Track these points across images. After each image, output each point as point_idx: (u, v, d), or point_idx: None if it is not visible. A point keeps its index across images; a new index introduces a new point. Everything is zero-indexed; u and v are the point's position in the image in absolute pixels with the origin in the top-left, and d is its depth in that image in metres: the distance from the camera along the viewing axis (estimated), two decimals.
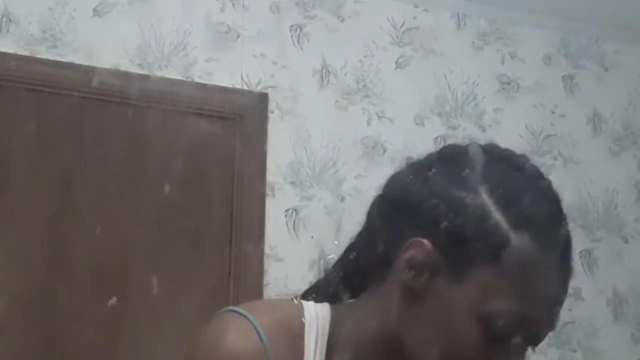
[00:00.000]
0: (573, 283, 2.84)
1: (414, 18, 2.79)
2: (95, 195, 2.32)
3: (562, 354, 2.68)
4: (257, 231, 2.40)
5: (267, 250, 2.43)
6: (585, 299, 2.74)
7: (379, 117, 2.65)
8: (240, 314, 0.83)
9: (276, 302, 0.95)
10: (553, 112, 2.87)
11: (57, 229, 2.27)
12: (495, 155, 0.86)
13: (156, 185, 2.32)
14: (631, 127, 2.96)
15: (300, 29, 2.67)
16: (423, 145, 2.65)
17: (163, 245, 2.34)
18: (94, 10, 2.47)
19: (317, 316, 0.87)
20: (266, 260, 2.42)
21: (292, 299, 0.90)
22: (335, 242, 0.76)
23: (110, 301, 2.20)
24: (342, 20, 2.71)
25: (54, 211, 2.28)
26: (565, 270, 0.83)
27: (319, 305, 0.89)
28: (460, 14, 2.85)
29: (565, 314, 3.00)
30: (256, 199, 2.44)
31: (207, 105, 2.46)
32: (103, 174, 2.35)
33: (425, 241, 0.81)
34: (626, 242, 2.84)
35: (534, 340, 0.83)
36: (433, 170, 0.85)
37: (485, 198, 0.80)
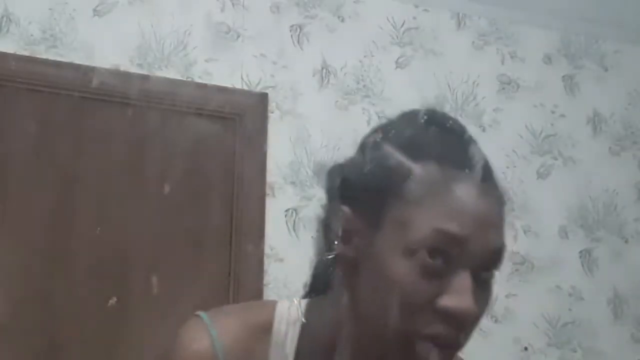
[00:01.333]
0: (573, 283, 2.82)
1: (414, 18, 2.80)
2: (95, 195, 2.32)
3: (562, 354, 2.68)
4: (257, 231, 2.40)
5: (267, 250, 2.43)
6: (585, 299, 2.74)
7: (379, 117, 2.65)
8: (202, 318, 0.88)
9: (249, 304, 0.97)
10: (553, 112, 2.88)
11: (57, 229, 2.27)
12: (406, 117, 0.91)
13: (156, 185, 2.32)
14: (631, 127, 2.96)
15: (300, 29, 2.67)
16: None
17: (163, 245, 2.34)
18: (94, 10, 2.47)
19: (289, 314, 0.90)
20: (266, 260, 2.42)
21: (271, 301, 0.93)
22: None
23: (110, 301, 2.20)
24: (342, 20, 2.71)
25: (54, 211, 2.28)
26: (483, 189, 0.82)
27: (296, 303, 0.91)
28: (460, 14, 2.86)
29: (565, 314, 3.01)
30: (256, 199, 2.45)
31: (207, 105, 2.46)
32: (103, 174, 2.34)
33: (344, 207, 0.83)
34: (626, 242, 2.84)
35: (470, 261, 0.79)
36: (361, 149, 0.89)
37: (387, 148, 0.83)
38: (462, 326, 0.79)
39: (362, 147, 0.87)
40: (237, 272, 2.37)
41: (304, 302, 0.92)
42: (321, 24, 2.69)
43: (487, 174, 0.84)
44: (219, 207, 2.43)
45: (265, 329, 0.89)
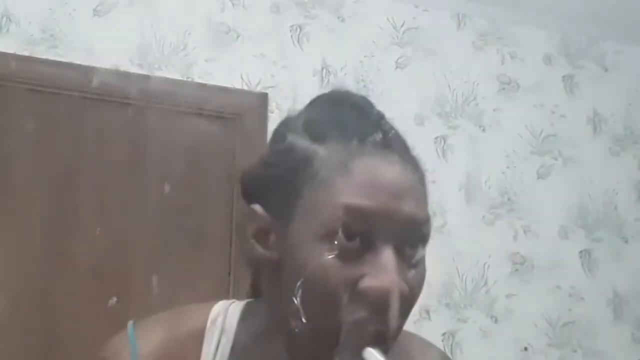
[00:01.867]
0: (573, 283, 2.82)
1: (414, 18, 2.80)
2: (95, 195, 2.32)
3: (562, 354, 2.68)
4: None
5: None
6: (585, 299, 2.74)
7: None
8: (127, 332, 0.86)
9: (184, 310, 0.90)
10: (553, 112, 2.88)
11: (57, 229, 2.27)
12: (312, 102, 0.87)
13: (156, 185, 2.32)
14: (631, 127, 2.96)
15: (300, 29, 2.67)
16: (423, 145, 2.66)
17: (163, 245, 2.34)
18: (94, 10, 2.47)
19: (224, 320, 0.85)
20: None
21: (208, 304, 0.89)
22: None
23: (110, 301, 2.20)
24: (342, 20, 2.71)
25: (54, 211, 2.28)
26: (393, 160, 0.77)
27: (234, 304, 0.88)
28: (460, 14, 2.86)
29: (565, 314, 3.01)
30: None
31: (207, 105, 2.46)
32: (103, 174, 2.34)
33: (255, 206, 0.80)
34: (626, 242, 2.84)
35: (389, 236, 0.74)
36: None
37: (289, 136, 0.80)
38: (388, 307, 0.73)
39: (268, 144, 0.85)
40: (237, 272, 2.37)
41: (241, 305, 0.88)
42: (321, 24, 2.69)
43: (397, 145, 0.80)
44: (219, 207, 2.43)
45: (195, 339, 0.84)
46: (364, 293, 0.72)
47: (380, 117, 0.82)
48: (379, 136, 0.78)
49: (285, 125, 0.84)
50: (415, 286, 0.76)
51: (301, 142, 0.78)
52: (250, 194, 0.83)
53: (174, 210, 2.36)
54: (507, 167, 2.77)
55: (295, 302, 0.75)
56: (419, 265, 0.77)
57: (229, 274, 2.37)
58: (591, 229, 2.82)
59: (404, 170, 0.77)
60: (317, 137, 0.78)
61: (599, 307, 2.75)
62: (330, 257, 0.73)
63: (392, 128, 0.81)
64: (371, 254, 0.74)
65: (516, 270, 2.70)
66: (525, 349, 2.65)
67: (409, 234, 0.76)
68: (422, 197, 0.78)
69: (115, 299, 2.20)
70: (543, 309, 2.69)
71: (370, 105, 0.84)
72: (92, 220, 2.29)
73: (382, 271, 0.73)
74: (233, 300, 0.89)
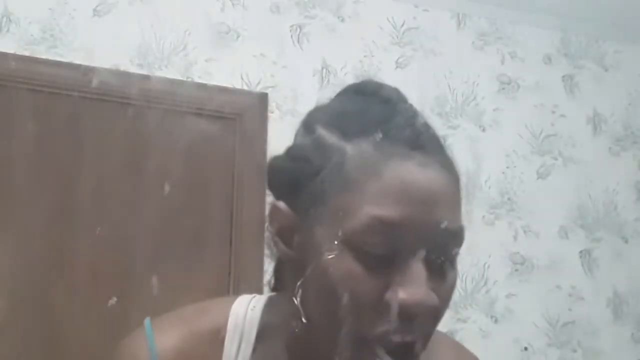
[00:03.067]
0: (573, 283, 2.82)
1: (414, 18, 2.80)
2: (95, 195, 2.32)
3: (562, 354, 2.68)
4: (257, 231, 2.40)
5: (267, 250, 2.42)
6: (585, 299, 2.74)
7: None
8: (145, 330, 0.82)
9: (204, 306, 0.86)
10: (553, 112, 2.88)
11: (57, 229, 2.27)
12: (341, 93, 0.83)
13: (156, 185, 2.32)
14: (631, 127, 2.96)
15: (300, 29, 2.67)
16: None
17: (163, 245, 2.34)
18: (94, 10, 2.47)
19: (246, 313, 0.82)
20: (266, 260, 2.41)
21: (230, 299, 0.86)
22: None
23: (110, 301, 2.20)
24: (342, 20, 2.71)
25: (54, 211, 2.28)
26: (428, 163, 0.72)
27: (256, 298, 0.85)
28: (460, 14, 2.86)
29: (565, 314, 3.01)
30: (256, 199, 2.44)
31: (207, 105, 2.46)
32: (103, 174, 2.34)
33: (279, 203, 0.77)
34: (626, 242, 2.84)
35: (420, 246, 0.70)
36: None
37: (318, 130, 0.76)
38: (418, 321, 0.69)
39: (295, 135, 0.82)
40: (237, 272, 2.37)
41: (264, 298, 0.85)
42: (321, 24, 2.69)
43: (433, 146, 0.75)
44: (219, 207, 2.43)
45: (216, 337, 0.81)
46: (393, 305, 0.69)
47: (414, 113, 0.77)
48: (412, 135, 0.74)
49: (314, 116, 0.80)
50: (446, 297, 0.73)
51: (330, 137, 0.74)
52: (276, 187, 0.80)
53: (174, 210, 2.36)
54: (507, 167, 2.77)
55: (319, 308, 0.72)
56: (450, 273, 0.74)
57: (229, 274, 2.37)
58: (591, 229, 2.82)
59: (438, 175, 0.73)
60: (347, 133, 0.73)
61: (599, 307, 2.75)
62: (357, 264, 0.69)
63: (426, 126, 0.77)
64: (400, 263, 0.70)
65: (516, 270, 2.70)
66: (525, 349, 2.64)
67: (441, 244, 0.72)
68: (455, 203, 0.75)
69: (115, 299, 2.20)
70: (543, 309, 2.69)
71: (403, 99, 0.80)
72: (92, 220, 2.29)
73: (412, 283, 0.69)
74: (254, 294, 0.86)
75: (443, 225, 0.71)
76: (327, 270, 0.70)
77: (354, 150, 0.72)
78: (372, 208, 0.69)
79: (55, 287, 2.22)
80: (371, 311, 0.69)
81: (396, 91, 0.81)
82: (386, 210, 0.69)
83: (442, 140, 0.79)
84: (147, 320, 0.83)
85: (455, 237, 0.74)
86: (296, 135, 0.81)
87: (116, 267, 2.28)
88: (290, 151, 0.80)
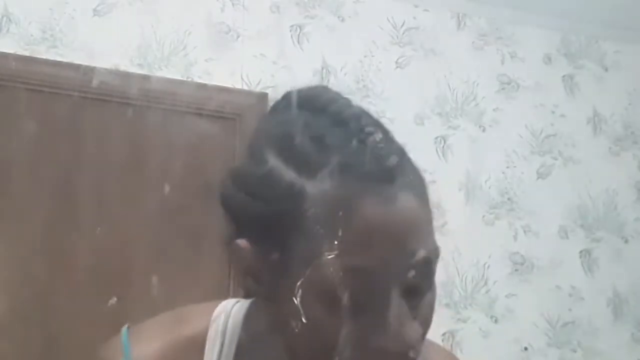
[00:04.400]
0: (573, 283, 2.81)
1: (414, 18, 2.79)
2: (95, 195, 2.32)
3: (562, 354, 2.68)
4: None
5: None
6: (585, 299, 2.74)
7: (378, 116, 2.63)
8: (121, 338, 0.79)
9: (184, 313, 0.82)
10: (553, 112, 2.88)
11: (57, 229, 2.27)
12: (286, 105, 0.74)
13: (156, 185, 2.32)
14: (631, 127, 2.96)
15: (300, 29, 2.67)
16: (423, 145, 2.66)
17: (163, 245, 2.34)
18: (94, 10, 2.47)
19: (227, 318, 0.79)
20: None
21: (212, 304, 0.82)
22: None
23: (110, 301, 2.20)
24: (342, 20, 2.71)
25: (54, 211, 2.28)
26: (397, 194, 0.66)
27: (239, 303, 0.81)
28: (460, 14, 2.86)
29: (565, 314, 3.00)
30: None
31: (207, 105, 2.46)
32: (103, 174, 2.34)
33: (241, 242, 0.70)
34: (626, 242, 2.84)
35: (397, 282, 0.65)
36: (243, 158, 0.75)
37: (272, 163, 0.68)
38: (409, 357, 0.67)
39: (244, 159, 0.73)
40: (237, 272, 2.37)
41: (246, 304, 0.81)
42: (321, 24, 2.69)
43: (398, 170, 0.67)
44: (219, 207, 2.43)
45: (196, 346, 0.77)
46: (377, 354, 0.65)
47: (371, 132, 0.69)
48: (374, 165, 0.66)
49: (261, 138, 0.72)
50: (428, 317, 0.70)
51: (286, 173, 0.67)
52: (232, 219, 0.73)
53: (174, 210, 2.36)
54: (507, 167, 2.77)
55: (299, 347, 0.68)
56: (429, 292, 0.70)
57: (229, 274, 2.37)
58: (591, 228, 2.82)
59: (408, 205, 0.67)
60: (303, 166, 0.66)
61: (599, 307, 2.75)
62: (333, 314, 0.65)
63: (386, 141, 0.69)
64: (376, 305, 0.66)
65: (516, 270, 2.70)
66: (525, 349, 2.65)
67: (418, 272, 0.68)
68: (428, 226, 0.69)
69: (115, 299, 2.20)
70: (543, 309, 2.69)
71: (356, 116, 0.70)
72: (92, 220, 2.29)
73: (394, 325, 0.65)
74: (238, 299, 0.82)
75: (418, 256, 0.67)
76: (304, 320, 0.66)
77: (313, 189, 0.65)
78: (343, 259, 0.64)
79: (55, 287, 2.22)
80: (352, 357, 0.65)
81: (347, 104, 0.72)
82: (355, 259, 0.64)
83: (403, 153, 0.71)
84: (124, 329, 0.80)
85: (432, 261, 0.69)
86: (245, 161, 0.73)
87: (116, 267, 2.28)
88: (241, 181, 0.72)
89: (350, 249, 0.64)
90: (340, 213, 0.64)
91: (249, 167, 0.72)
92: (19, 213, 2.26)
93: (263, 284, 0.70)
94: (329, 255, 0.65)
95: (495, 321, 2.63)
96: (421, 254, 0.67)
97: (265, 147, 0.70)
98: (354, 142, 0.67)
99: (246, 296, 0.81)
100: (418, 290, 0.68)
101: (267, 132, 0.73)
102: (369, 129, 0.69)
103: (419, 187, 0.69)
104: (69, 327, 2.19)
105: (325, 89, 0.74)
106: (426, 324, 0.70)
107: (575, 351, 2.69)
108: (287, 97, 0.74)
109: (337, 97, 0.72)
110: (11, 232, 2.23)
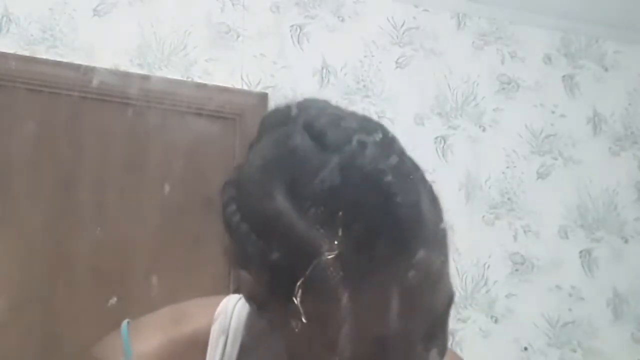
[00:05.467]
0: (573, 283, 2.81)
1: (414, 18, 2.79)
2: (95, 195, 2.32)
3: (562, 354, 2.68)
4: None
5: None
6: (585, 299, 2.74)
7: (378, 116, 2.65)
8: (121, 335, 0.77)
9: (186, 309, 0.79)
10: (553, 112, 2.87)
11: (57, 229, 2.27)
12: (284, 129, 0.67)
13: (156, 185, 2.32)
14: (631, 127, 2.96)
15: (300, 29, 2.67)
16: (423, 146, 2.66)
17: (163, 245, 2.34)
18: (94, 10, 2.47)
19: (231, 315, 0.77)
20: None
21: (216, 300, 0.80)
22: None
23: (110, 301, 2.20)
24: (342, 20, 2.71)
25: (54, 211, 2.28)
26: (402, 265, 0.61)
27: (242, 301, 0.78)
28: (460, 14, 2.85)
29: (565, 314, 3.00)
30: None
31: (207, 105, 2.46)
32: (103, 174, 2.34)
33: (243, 274, 0.67)
34: (626, 242, 2.84)
35: (414, 339, 0.64)
36: (241, 171, 0.69)
37: (281, 203, 0.62)
38: None
39: (257, 186, 0.65)
40: (237, 272, 2.37)
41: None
42: (321, 24, 2.69)
43: (418, 224, 0.62)
44: (219, 207, 2.43)
45: (198, 344, 0.75)
46: None
47: (388, 185, 0.62)
48: (389, 230, 0.61)
49: (269, 165, 0.65)
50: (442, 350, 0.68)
51: (297, 223, 0.61)
52: (237, 251, 0.68)
53: (174, 210, 2.36)
54: (507, 167, 2.77)
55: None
56: (442, 333, 0.68)
57: (229, 274, 2.37)
58: (591, 229, 2.82)
59: (426, 268, 0.63)
60: (312, 220, 0.61)
61: (599, 307, 2.75)
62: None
63: (405, 195, 0.62)
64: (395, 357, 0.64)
65: (516, 270, 2.70)
66: (525, 349, 2.64)
67: (435, 324, 0.66)
68: (445, 276, 0.66)
69: (115, 299, 2.20)
70: (543, 309, 2.69)
71: (373, 159, 0.63)
72: (92, 220, 2.28)
73: None
74: (240, 296, 0.78)
75: (436, 312, 0.65)
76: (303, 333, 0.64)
77: (331, 248, 0.61)
78: (357, 325, 0.61)
79: (55, 287, 2.22)
80: None
81: (362, 145, 0.64)
82: (372, 329, 0.62)
83: (429, 192, 0.65)
84: (124, 323, 0.78)
85: (447, 309, 0.66)
86: (250, 185, 0.66)
87: (116, 267, 2.28)
88: (246, 210, 0.66)
89: (360, 318, 0.61)
90: (353, 278, 0.61)
91: (255, 197, 0.65)
92: (19, 213, 2.26)
93: (266, 311, 0.68)
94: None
95: (495, 321, 2.63)
96: (440, 309, 0.64)
97: (274, 181, 0.64)
98: (374, 200, 0.61)
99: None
100: (432, 336, 0.65)
101: (275, 160, 0.65)
102: (387, 179, 0.62)
103: (436, 239, 0.65)
104: (69, 327, 2.19)
105: (319, 112, 0.67)
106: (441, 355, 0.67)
107: (575, 351, 2.69)
108: (295, 114, 0.68)
109: (350, 132, 0.65)
110: (11, 232, 2.23)
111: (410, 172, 0.65)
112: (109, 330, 0.81)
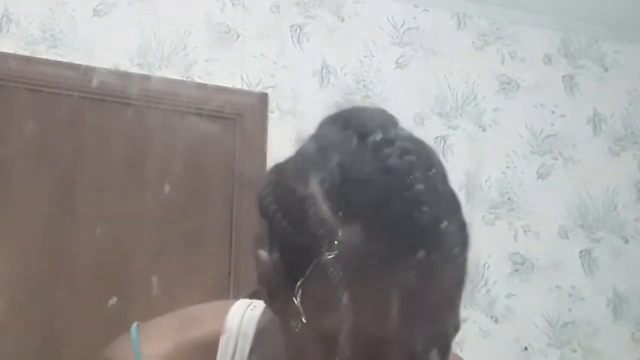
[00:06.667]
0: (573, 283, 2.81)
1: (414, 18, 2.80)
2: (95, 195, 2.32)
3: (562, 354, 2.68)
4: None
5: None
6: (585, 299, 2.74)
7: None
8: (131, 337, 0.76)
9: (196, 313, 0.80)
10: (553, 112, 2.87)
11: (57, 229, 2.27)
12: (336, 127, 0.69)
13: (156, 185, 2.32)
14: (631, 127, 2.96)
15: (300, 29, 2.67)
16: None
17: (163, 245, 2.34)
18: (94, 10, 2.47)
19: (241, 322, 0.77)
20: None
21: (227, 304, 0.79)
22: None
23: (110, 301, 2.20)
24: (342, 20, 2.71)
25: (54, 211, 2.28)
26: (430, 268, 0.62)
27: (254, 304, 0.78)
28: (460, 14, 2.86)
29: (565, 314, 3.00)
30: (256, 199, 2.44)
31: (207, 105, 2.46)
32: (103, 174, 2.34)
33: (262, 253, 0.68)
34: (626, 242, 2.84)
35: (411, 350, 0.62)
36: (287, 160, 0.71)
37: (313, 187, 0.64)
38: None
39: (294, 173, 0.68)
40: (237, 272, 2.37)
41: (260, 309, 0.78)
42: (321, 24, 2.69)
43: (445, 233, 0.64)
44: (219, 207, 2.43)
45: (207, 350, 0.75)
46: None
47: (417, 193, 0.63)
48: (417, 231, 0.62)
49: (313, 156, 0.67)
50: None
51: (322, 205, 0.63)
52: (263, 224, 0.70)
53: (174, 210, 2.36)
54: (507, 167, 2.77)
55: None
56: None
57: (229, 274, 2.37)
58: (591, 229, 2.82)
59: (443, 281, 0.64)
60: (341, 206, 0.63)
61: (599, 307, 2.75)
62: None
63: (434, 203, 0.63)
64: None
65: (516, 270, 2.70)
66: (525, 349, 2.65)
67: (435, 345, 0.66)
68: (459, 301, 0.68)
69: (115, 299, 2.20)
70: (543, 309, 2.69)
71: (407, 167, 0.64)
72: (92, 220, 2.29)
73: None
74: (251, 301, 0.79)
75: (442, 333, 0.65)
76: (302, 354, 0.65)
77: (346, 236, 0.62)
78: (356, 318, 0.61)
79: (55, 287, 2.22)
80: None
81: (404, 150, 0.65)
82: (375, 329, 0.62)
83: (454, 206, 0.68)
84: (134, 326, 0.77)
85: (454, 335, 0.67)
86: (292, 169, 0.69)
87: (116, 267, 2.28)
88: (279, 190, 0.69)
89: (371, 318, 0.61)
90: (366, 276, 0.61)
91: (291, 180, 0.68)
92: (19, 212, 2.26)
93: (275, 300, 0.69)
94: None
95: (495, 321, 2.63)
96: (448, 329, 0.65)
97: (313, 169, 0.66)
98: (399, 200, 0.62)
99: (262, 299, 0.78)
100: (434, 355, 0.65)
101: (320, 151, 0.68)
102: (419, 186, 0.63)
103: (457, 259, 0.66)
104: (69, 327, 2.19)
105: (381, 121, 0.70)
106: None
107: (575, 351, 2.69)
108: (354, 120, 0.70)
109: (395, 138, 0.67)
110: (11, 232, 2.23)
111: (444, 192, 0.67)
112: (109, 331, 0.81)
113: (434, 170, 0.66)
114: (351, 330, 0.61)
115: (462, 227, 0.69)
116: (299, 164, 0.69)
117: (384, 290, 0.61)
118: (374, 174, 0.63)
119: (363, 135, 0.66)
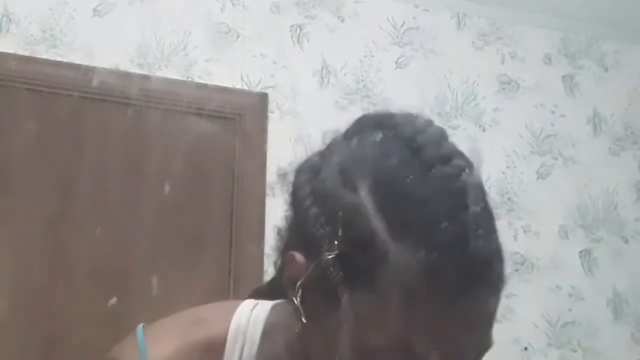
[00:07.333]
0: (573, 283, 2.81)
1: (414, 18, 2.80)
2: (95, 195, 2.32)
3: (562, 354, 2.68)
4: (257, 231, 2.40)
5: (267, 250, 2.42)
6: (585, 299, 2.74)
7: None
8: (137, 339, 0.76)
9: (202, 315, 0.79)
10: (553, 112, 2.88)
11: (57, 229, 2.27)
12: (384, 133, 0.68)
13: (156, 185, 2.32)
14: (631, 127, 2.96)
15: (300, 29, 2.67)
16: None
17: (163, 245, 2.34)
18: (94, 10, 2.47)
19: (247, 322, 0.76)
20: (266, 260, 2.41)
21: (233, 304, 0.79)
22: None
23: (110, 301, 2.20)
24: (342, 20, 2.71)
25: (54, 211, 2.28)
26: (477, 295, 0.62)
27: (259, 306, 0.78)
28: (460, 14, 2.86)
29: (565, 314, 3.00)
30: (256, 199, 2.44)
31: (207, 105, 2.46)
32: (103, 174, 2.34)
33: (298, 255, 0.67)
34: (626, 242, 2.84)
35: None
36: (325, 159, 0.70)
37: (364, 196, 0.63)
38: None
39: (340, 177, 0.66)
40: (237, 272, 2.37)
41: (267, 307, 0.78)
42: (321, 24, 2.69)
43: (493, 264, 0.64)
44: (219, 207, 2.43)
45: (214, 351, 0.75)
46: None
47: (475, 219, 0.63)
48: (468, 261, 0.61)
49: (360, 160, 0.66)
50: None
51: (374, 217, 0.62)
52: (298, 224, 0.69)
53: (174, 210, 2.36)
54: (507, 167, 2.77)
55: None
56: None
57: (229, 274, 2.37)
58: (591, 229, 2.82)
59: (483, 311, 0.65)
60: (398, 227, 0.62)
61: (599, 307, 2.75)
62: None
63: (487, 233, 0.64)
64: None
65: (516, 270, 2.70)
66: (525, 348, 2.64)
67: None
68: (491, 327, 0.69)
69: (115, 299, 2.20)
70: (543, 309, 2.69)
71: (462, 188, 0.64)
72: (92, 220, 2.29)
73: None
74: (256, 302, 0.79)
75: (482, 351, 0.67)
76: (334, 343, 0.63)
77: (398, 255, 0.61)
78: (402, 334, 0.61)
79: (55, 287, 2.22)
80: None
81: (460, 168, 0.65)
82: (415, 345, 0.61)
83: (496, 240, 0.67)
84: (139, 327, 0.77)
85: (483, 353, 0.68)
86: (332, 173, 0.67)
87: (116, 267, 2.28)
88: (321, 194, 0.67)
89: (412, 334, 0.61)
90: (414, 297, 0.61)
91: (335, 185, 0.66)
92: (19, 213, 2.26)
93: (304, 303, 0.67)
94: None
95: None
96: (477, 352, 0.67)
97: (361, 177, 0.65)
98: (455, 223, 0.62)
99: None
100: None
101: (369, 158, 0.67)
102: (475, 208, 0.63)
103: (499, 286, 0.66)
104: (69, 327, 2.19)
105: (437, 135, 0.68)
106: None
107: (575, 351, 2.69)
108: (404, 128, 0.68)
109: (449, 154, 0.66)
110: (11, 232, 2.23)
111: (491, 210, 0.68)
112: (109, 331, 0.81)
113: (483, 189, 0.67)
114: (394, 346, 0.61)
115: (500, 246, 0.68)
116: (343, 166, 0.67)
117: (434, 311, 0.61)
118: (431, 193, 0.63)
119: (416, 149, 0.65)
